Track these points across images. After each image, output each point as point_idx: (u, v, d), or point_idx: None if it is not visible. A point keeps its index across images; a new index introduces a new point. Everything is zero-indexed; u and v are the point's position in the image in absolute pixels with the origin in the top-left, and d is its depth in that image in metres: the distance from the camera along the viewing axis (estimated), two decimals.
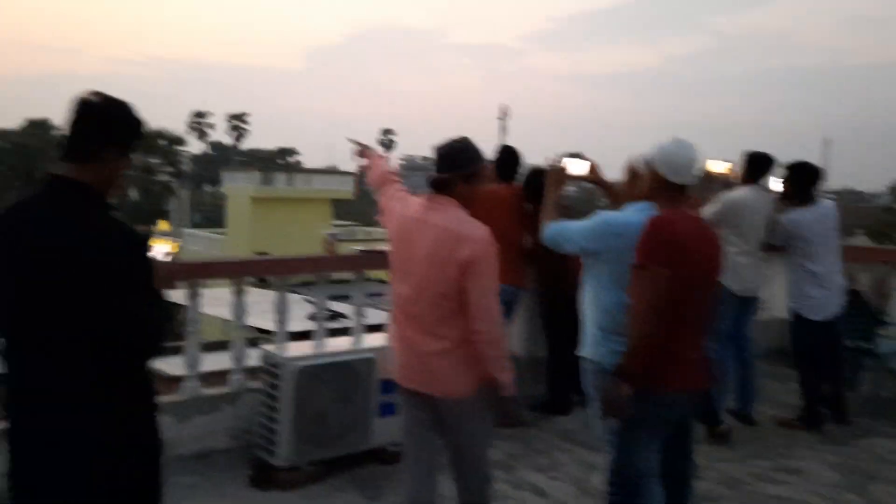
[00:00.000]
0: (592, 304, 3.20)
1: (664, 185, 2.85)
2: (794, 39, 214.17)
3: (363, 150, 3.51)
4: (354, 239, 32.30)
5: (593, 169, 3.63)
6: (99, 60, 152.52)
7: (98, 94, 2.15)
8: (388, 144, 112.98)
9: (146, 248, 2.12)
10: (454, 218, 2.79)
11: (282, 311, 4.58)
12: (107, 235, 2.03)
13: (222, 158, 78.79)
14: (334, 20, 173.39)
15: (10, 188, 54.57)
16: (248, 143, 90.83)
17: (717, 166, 4.58)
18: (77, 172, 2.08)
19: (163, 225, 54.11)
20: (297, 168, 49.02)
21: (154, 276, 2.12)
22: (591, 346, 3.19)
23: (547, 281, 5.29)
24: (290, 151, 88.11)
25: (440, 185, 2.85)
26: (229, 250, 28.51)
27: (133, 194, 44.90)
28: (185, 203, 58.68)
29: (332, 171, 44.63)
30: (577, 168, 3.58)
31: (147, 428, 2.17)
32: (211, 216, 68.90)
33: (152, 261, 2.13)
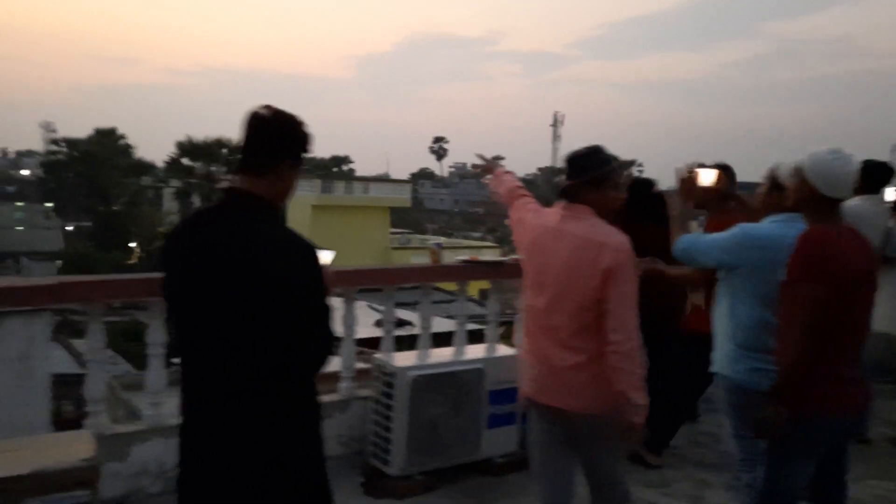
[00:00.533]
0: (728, 319, 3.12)
1: (815, 198, 2.75)
2: (857, 44, 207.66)
3: (488, 165, 3.51)
4: (409, 247, 32.53)
5: (721, 178, 3.55)
6: (158, 71, 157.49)
7: (269, 107, 2.18)
8: (439, 152, 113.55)
9: (319, 259, 2.14)
10: (592, 226, 2.75)
11: (389, 320, 4.61)
12: (289, 248, 2.06)
13: None
14: (383, 30, 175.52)
15: (79, 195, 56.66)
16: None
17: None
18: (254, 185, 2.12)
19: None
20: (355, 176, 49.55)
21: (326, 286, 2.15)
22: (727, 362, 3.11)
23: (649, 307, 5.16)
24: (343, 159, 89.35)
25: (572, 193, 2.82)
26: None
27: (196, 201, 46.05)
28: None
29: (389, 180, 45.18)
30: (706, 178, 3.51)
31: (315, 441, 2.18)
32: None
33: (325, 271, 2.16)
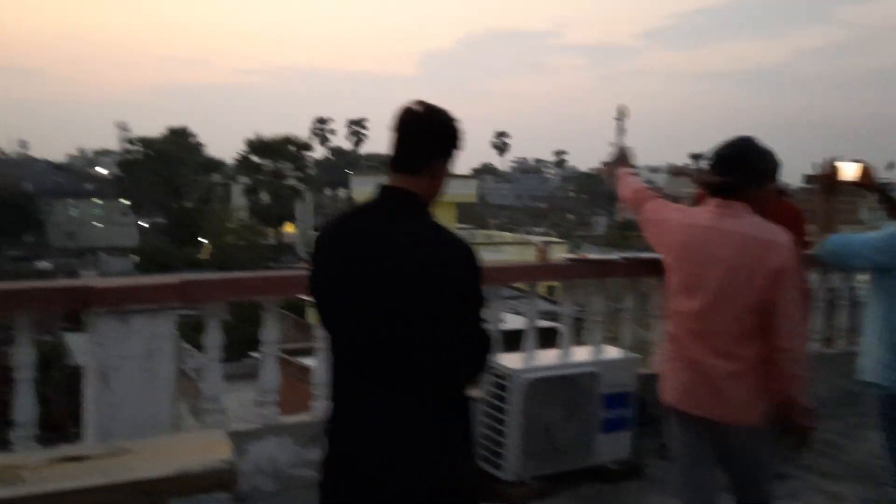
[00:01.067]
0: (881, 324, 2.91)
1: None
2: None
3: (611, 167, 3.38)
4: (475, 242, 32.42)
5: (866, 172, 3.31)
6: (227, 71, 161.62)
7: (421, 103, 2.10)
8: (501, 147, 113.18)
9: (477, 257, 2.06)
10: (753, 223, 2.58)
11: (496, 319, 4.50)
12: (449, 247, 1.98)
13: (342, 163, 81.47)
14: (446, 25, 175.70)
15: (153, 192, 58.68)
16: (365, 148, 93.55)
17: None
18: (409, 183, 2.05)
19: (288, 227, 56.49)
20: None
21: (482, 286, 2.06)
22: (880, 370, 2.90)
23: None
24: None
25: (727, 189, 2.64)
26: None
27: (264, 197, 47.08)
28: (310, 206, 61.01)
29: (453, 175, 44.92)
30: (849, 172, 3.27)
31: (469, 442, 2.10)
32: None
33: (483, 270, 2.07)
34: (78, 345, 17.75)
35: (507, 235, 37.10)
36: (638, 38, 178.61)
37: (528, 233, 55.89)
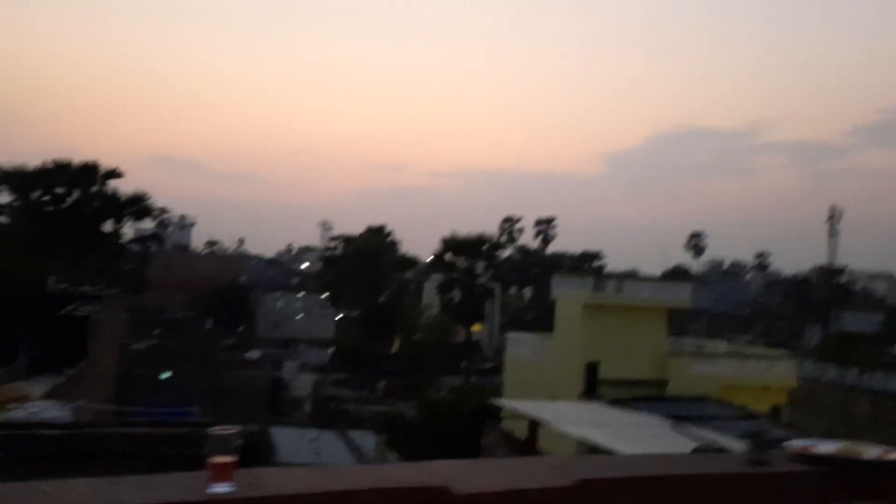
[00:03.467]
0: None
1: None
2: None
3: None
4: (689, 354, 29.46)
5: None
6: (421, 175, 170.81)
7: None
8: (697, 248, 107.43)
9: None
10: None
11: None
12: None
13: (529, 262, 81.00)
14: (632, 125, 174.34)
15: (350, 287, 61.29)
16: (551, 248, 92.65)
17: None
18: None
19: (475, 326, 56.04)
20: (628, 274, 47.64)
21: None
22: None
23: None
24: (594, 255, 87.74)
25: None
26: (558, 358, 27.52)
27: (456, 295, 47.11)
28: (497, 306, 60.47)
29: (665, 278, 42.58)
30: None
31: None
32: (517, 318, 70.37)
33: None
34: None
35: (721, 346, 33.49)
36: (845, 135, 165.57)
37: (731, 341, 50.90)
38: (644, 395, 25.51)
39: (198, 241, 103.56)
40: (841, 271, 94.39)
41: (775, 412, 26.81)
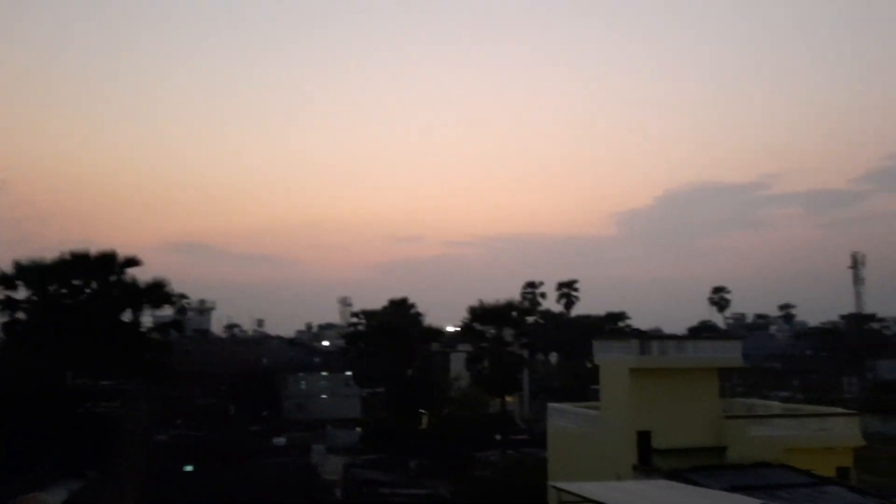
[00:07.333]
0: None
1: None
2: None
3: None
4: (743, 415, 27.62)
5: None
6: (437, 244, 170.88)
7: None
8: (720, 303, 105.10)
9: None
10: None
11: None
12: None
13: (554, 327, 79.14)
14: (641, 185, 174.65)
15: (374, 363, 59.68)
16: (574, 310, 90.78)
17: None
18: None
19: (509, 397, 53.99)
20: (672, 335, 45.72)
21: None
22: None
23: None
24: (619, 316, 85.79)
25: None
26: (607, 428, 25.84)
27: (486, 365, 45.48)
28: (525, 373, 58.49)
29: (714, 336, 40.77)
30: None
31: None
32: (546, 386, 68.12)
33: None
34: None
35: (774, 405, 31.49)
36: (857, 182, 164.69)
37: (766, 397, 48.50)
38: (702, 465, 23.80)
39: (217, 324, 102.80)
40: (871, 318, 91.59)
41: (843, 474, 24.80)
